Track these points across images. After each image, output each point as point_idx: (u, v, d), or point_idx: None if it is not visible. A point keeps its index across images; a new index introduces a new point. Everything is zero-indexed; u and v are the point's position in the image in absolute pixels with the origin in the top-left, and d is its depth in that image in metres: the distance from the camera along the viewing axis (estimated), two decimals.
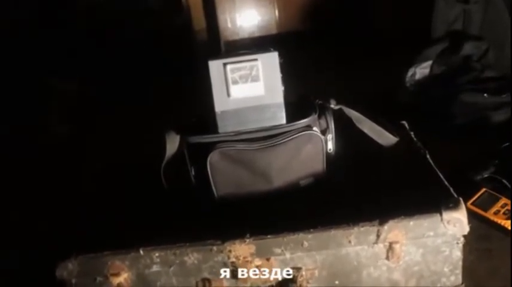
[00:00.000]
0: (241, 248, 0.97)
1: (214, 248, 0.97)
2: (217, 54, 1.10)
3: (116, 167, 1.41)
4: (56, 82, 2.73)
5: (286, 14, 3.47)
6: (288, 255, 0.98)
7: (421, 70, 1.99)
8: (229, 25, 3.47)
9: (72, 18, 3.14)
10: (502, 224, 1.31)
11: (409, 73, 2.01)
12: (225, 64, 1.06)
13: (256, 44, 3.30)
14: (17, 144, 2.22)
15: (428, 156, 1.18)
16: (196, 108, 1.21)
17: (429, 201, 0.99)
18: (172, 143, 1.14)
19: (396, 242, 0.98)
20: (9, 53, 2.75)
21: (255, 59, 1.07)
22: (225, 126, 1.09)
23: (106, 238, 1.04)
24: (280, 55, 1.10)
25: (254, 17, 3.49)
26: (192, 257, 0.98)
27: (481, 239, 1.28)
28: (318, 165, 1.13)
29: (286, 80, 1.12)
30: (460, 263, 1.02)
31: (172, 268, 1.00)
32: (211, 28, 3.41)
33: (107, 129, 2.28)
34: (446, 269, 1.02)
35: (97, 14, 3.18)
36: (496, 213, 1.34)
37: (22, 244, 1.49)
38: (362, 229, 0.96)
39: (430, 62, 1.99)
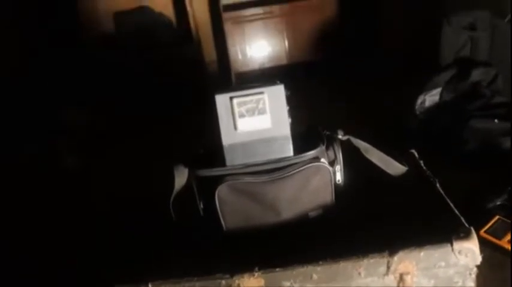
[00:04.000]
0: (250, 282, 0.96)
1: (223, 282, 0.97)
2: (224, 88, 1.11)
3: (124, 200, 1.42)
4: (66, 115, 2.77)
5: (296, 44, 3.50)
6: None
7: (431, 97, 1.99)
8: (240, 56, 3.52)
9: (82, 52, 3.20)
10: None
11: (419, 101, 2.01)
12: (231, 98, 1.07)
13: (266, 75, 3.34)
14: (27, 176, 2.24)
15: (438, 185, 1.17)
16: (204, 141, 1.22)
17: (440, 231, 0.97)
18: (181, 176, 1.15)
19: (407, 273, 0.96)
20: (19, 85, 2.80)
21: (261, 92, 1.08)
22: (233, 160, 1.10)
23: (114, 271, 1.04)
24: (286, 87, 1.10)
25: (264, 48, 3.54)
26: None
27: (495, 269, 1.25)
28: (327, 196, 1.13)
29: (294, 110, 1.12)
30: None
31: None
32: (221, 60, 3.45)
33: (116, 162, 2.29)
34: None
35: (107, 47, 3.23)
36: (510, 241, 1.32)
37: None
38: (372, 260, 0.95)
39: (439, 89, 1.99)
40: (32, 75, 2.95)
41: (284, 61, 3.51)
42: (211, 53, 3.45)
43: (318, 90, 2.79)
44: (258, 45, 3.52)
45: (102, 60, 3.18)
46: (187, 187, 1.15)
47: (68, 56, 3.09)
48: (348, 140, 1.19)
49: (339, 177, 1.16)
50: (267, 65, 3.51)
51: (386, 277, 0.97)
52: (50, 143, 2.54)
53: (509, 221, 1.38)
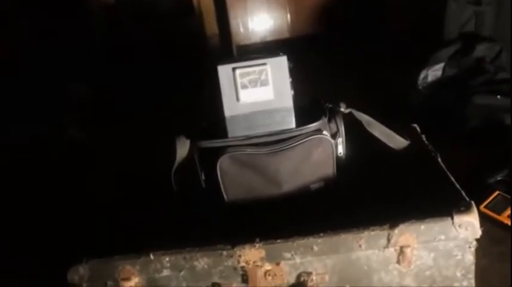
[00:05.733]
0: (251, 253, 0.96)
1: (224, 252, 0.97)
2: (226, 59, 1.10)
3: (127, 172, 1.42)
4: (73, 89, 2.77)
5: (298, 17, 3.46)
6: (298, 259, 0.98)
7: (433, 73, 1.98)
8: (242, 30, 3.48)
9: (90, 26, 3.18)
10: None
11: (421, 76, 2.00)
12: (234, 69, 1.07)
13: (267, 48, 3.31)
14: (35, 150, 2.25)
15: (439, 159, 1.17)
16: (207, 113, 1.22)
17: (440, 204, 0.97)
18: (183, 148, 1.15)
19: (407, 246, 0.97)
20: (29, 60, 2.80)
21: (264, 64, 1.07)
22: (235, 131, 1.09)
23: (117, 242, 1.05)
24: (289, 59, 1.10)
25: (266, 21, 3.50)
26: (202, 261, 0.98)
27: (494, 243, 1.26)
28: (328, 169, 1.13)
29: (297, 84, 1.12)
30: (473, 267, 1.00)
31: (182, 273, 1.00)
32: (223, 33, 3.42)
33: (120, 135, 2.29)
34: (458, 274, 1.00)
35: (111, 21, 3.21)
36: (510, 216, 1.32)
37: (34, 249, 1.51)
38: (372, 233, 0.96)
39: (442, 65, 1.97)
40: (37, 53, 2.94)
41: (286, 35, 3.47)
42: (213, 26, 3.41)
43: (320, 64, 2.78)
44: (259, 18, 3.48)
45: (104, 34, 3.17)
46: (189, 158, 1.15)
47: (73, 31, 3.07)
48: (350, 113, 1.18)
49: (340, 150, 1.15)
50: (269, 39, 3.48)
51: (386, 249, 0.98)
52: (57, 119, 2.55)
53: (509, 197, 1.39)
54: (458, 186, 1.05)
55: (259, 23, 3.48)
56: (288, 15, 3.47)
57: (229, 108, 1.08)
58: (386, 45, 2.81)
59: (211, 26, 3.39)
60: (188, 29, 3.26)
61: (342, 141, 1.16)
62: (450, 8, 2.05)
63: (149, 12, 3.23)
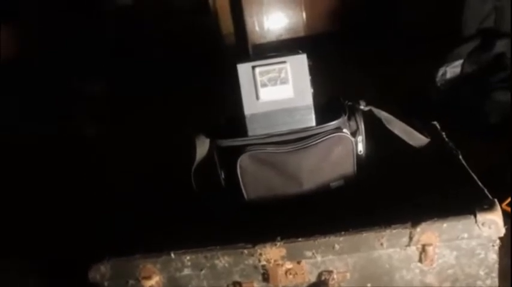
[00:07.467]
0: (272, 252, 0.96)
1: (245, 251, 0.97)
2: (245, 58, 1.10)
3: (146, 170, 1.43)
4: (83, 85, 2.79)
5: (314, 15, 3.46)
6: (319, 258, 0.98)
7: (452, 69, 1.97)
8: (257, 28, 3.48)
9: (100, 22, 3.19)
10: None
11: (440, 72, 1.98)
12: (253, 67, 1.06)
13: (284, 47, 3.30)
14: (47, 146, 2.26)
15: (460, 156, 1.16)
16: (224, 112, 1.22)
17: (463, 202, 0.96)
18: (202, 147, 1.15)
19: (429, 245, 0.96)
20: (40, 56, 2.82)
21: (284, 62, 1.06)
22: (255, 129, 1.09)
23: (138, 241, 1.05)
24: (308, 57, 1.09)
25: (282, 19, 3.50)
26: (222, 260, 0.98)
27: None
28: (348, 167, 1.12)
29: (315, 81, 1.11)
30: (496, 266, 0.99)
31: (203, 272, 1.00)
32: (239, 32, 3.43)
33: (135, 132, 2.30)
34: (481, 272, 1.00)
35: (124, 16, 3.22)
36: None
37: (55, 247, 1.52)
38: (394, 231, 0.95)
39: (461, 61, 1.96)
40: (51, 47, 2.96)
41: (302, 32, 3.47)
42: (228, 25, 3.42)
43: (336, 62, 2.76)
44: (275, 17, 3.48)
45: (119, 29, 3.18)
46: (208, 157, 1.15)
47: (85, 25, 3.09)
48: (370, 110, 1.17)
49: (360, 148, 1.15)
50: (285, 37, 3.48)
51: (408, 248, 0.97)
52: (69, 112, 2.56)
53: None
54: (480, 184, 1.04)
55: (274, 21, 3.48)
56: (304, 13, 3.46)
57: (249, 107, 1.08)
58: (402, 41, 2.79)
59: (226, 24, 3.40)
60: (203, 28, 3.26)
61: (362, 139, 1.15)
62: (470, 2, 2.03)
63: (164, 10, 3.24)
